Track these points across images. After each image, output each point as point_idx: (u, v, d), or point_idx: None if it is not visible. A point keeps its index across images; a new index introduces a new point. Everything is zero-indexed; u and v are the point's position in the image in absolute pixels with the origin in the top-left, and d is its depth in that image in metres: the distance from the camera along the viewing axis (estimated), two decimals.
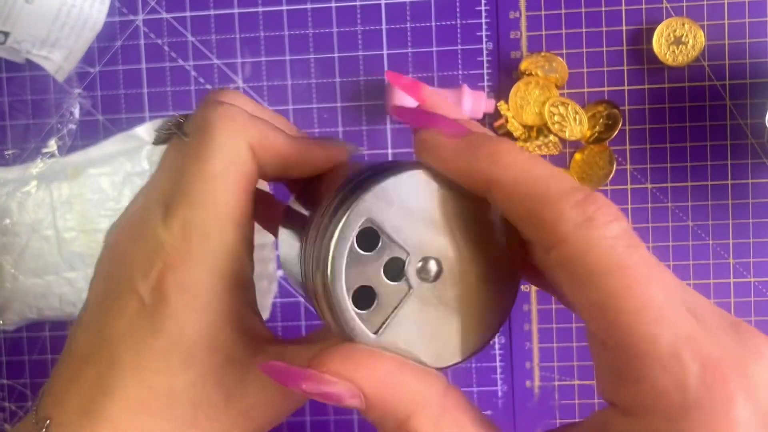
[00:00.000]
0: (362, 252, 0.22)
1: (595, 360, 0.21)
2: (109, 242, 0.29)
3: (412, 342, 0.22)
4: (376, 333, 0.22)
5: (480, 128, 0.23)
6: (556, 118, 0.51)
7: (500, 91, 0.53)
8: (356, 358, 0.21)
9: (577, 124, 0.51)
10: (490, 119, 0.53)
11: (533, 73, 0.51)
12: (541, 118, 0.51)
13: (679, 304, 0.19)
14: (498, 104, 0.52)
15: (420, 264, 0.22)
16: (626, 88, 0.52)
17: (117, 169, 0.53)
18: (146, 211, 0.27)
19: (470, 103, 0.51)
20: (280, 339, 0.28)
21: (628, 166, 0.52)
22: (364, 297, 0.22)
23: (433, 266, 0.22)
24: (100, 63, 0.55)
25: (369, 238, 0.22)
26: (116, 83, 0.55)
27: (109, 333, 0.26)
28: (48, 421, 0.26)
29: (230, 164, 0.26)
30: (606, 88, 0.52)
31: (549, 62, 0.51)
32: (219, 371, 0.26)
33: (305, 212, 0.28)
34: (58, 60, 0.53)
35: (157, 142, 0.29)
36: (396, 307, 0.22)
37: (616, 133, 0.51)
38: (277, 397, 0.27)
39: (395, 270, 0.22)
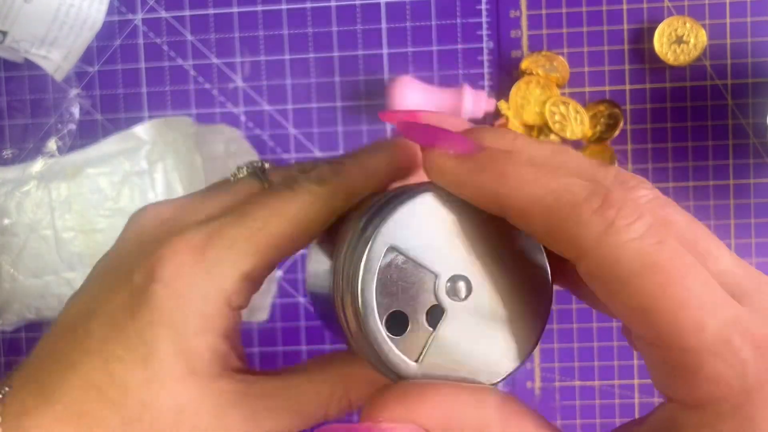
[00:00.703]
0: (390, 281, 0.22)
1: (646, 358, 0.20)
2: (135, 224, 0.29)
3: (456, 363, 0.22)
4: (416, 361, 0.22)
5: (491, 136, 0.23)
6: (557, 117, 0.51)
7: (501, 91, 0.53)
8: (412, 396, 0.21)
9: (578, 124, 0.51)
10: (491, 119, 0.53)
11: (534, 72, 0.51)
12: (542, 118, 0.51)
13: (718, 289, 0.19)
14: (498, 103, 0.51)
15: (449, 284, 0.22)
16: (627, 87, 0.52)
17: (116, 169, 0.53)
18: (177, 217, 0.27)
19: (471, 103, 0.51)
20: (255, 371, 0.28)
21: (629, 166, 0.52)
22: (397, 324, 0.22)
23: (462, 285, 0.22)
24: (98, 62, 0.55)
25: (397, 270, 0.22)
26: (115, 83, 0.55)
27: (93, 307, 0.26)
28: (7, 389, 0.26)
29: None
30: (607, 88, 0.52)
31: (550, 61, 0.51)
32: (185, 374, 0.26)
33: (332, 242, 0.27)
34: (57, 59, 0.53)
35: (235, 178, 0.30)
36: (433, 331, 0.22)
37: (617, 132, 0.51)
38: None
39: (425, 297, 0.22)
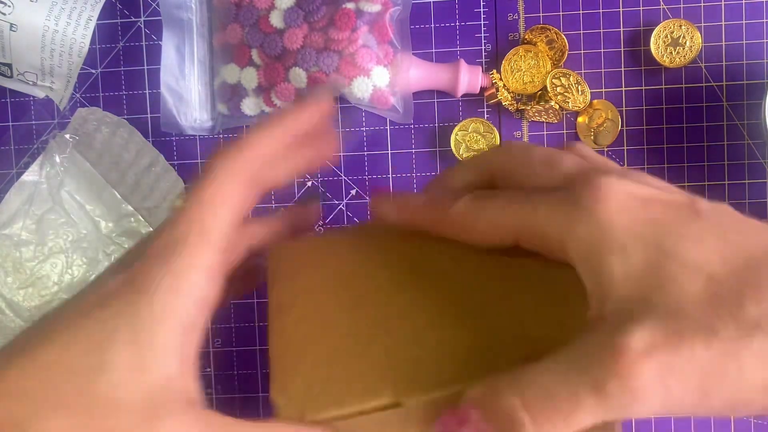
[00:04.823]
0: None
1: None
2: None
3: None
4: None
5: None
6: (558, 89, 0.51)
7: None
8: None
9: (579, 94, 0.51)
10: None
11: (535, 43, 0.52)
12: (530, 88, 0.52)
13: None
14: (491, 73, 0.52)
15: None
16: (624, 89, 0.52)
17: (25, 218, 0.54)
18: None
19: (467, 78, 0.51)
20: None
21: (626, 167, 0.53)
22: None
23: None
24: (101, 64, 0.55)
25: None
26: (118, 84, 0.55)
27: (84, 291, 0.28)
28: None
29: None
30: (604, 89, 0.52)
31: (551, 37, 0.51)
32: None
33: None
34: (61, 89, 0.54)
35: None
36: None
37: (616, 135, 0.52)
38: None
39: None
